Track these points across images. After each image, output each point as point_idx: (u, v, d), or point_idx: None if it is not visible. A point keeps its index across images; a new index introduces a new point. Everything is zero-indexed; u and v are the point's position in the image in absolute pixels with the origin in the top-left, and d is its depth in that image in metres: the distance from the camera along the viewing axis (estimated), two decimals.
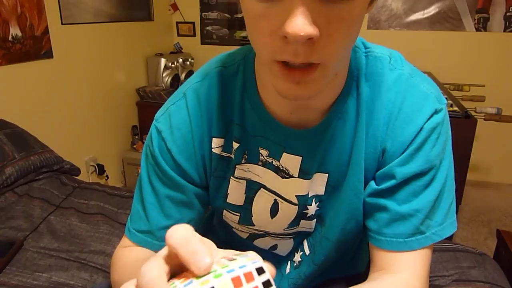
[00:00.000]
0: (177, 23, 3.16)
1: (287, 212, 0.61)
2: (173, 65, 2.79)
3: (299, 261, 0.68)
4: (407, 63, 0.56)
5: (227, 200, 0.62)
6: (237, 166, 0.59)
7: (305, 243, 0.67)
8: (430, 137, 0.52)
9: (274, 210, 0.61)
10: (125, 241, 0.62)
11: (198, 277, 0.26)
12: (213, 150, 0.59)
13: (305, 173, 0.57)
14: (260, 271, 0.26)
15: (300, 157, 0.56)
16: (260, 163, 0.58)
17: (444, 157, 0.53)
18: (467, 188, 2.30)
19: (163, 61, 2.72)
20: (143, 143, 0.77)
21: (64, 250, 1.16)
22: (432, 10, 2.61)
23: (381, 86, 0.53)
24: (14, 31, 1.73)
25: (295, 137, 0.55)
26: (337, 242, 0.61)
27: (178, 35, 3.19)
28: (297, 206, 0.60)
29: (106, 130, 2.47)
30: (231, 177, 0.60)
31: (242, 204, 0.62)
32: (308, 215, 0.62)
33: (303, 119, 0.54)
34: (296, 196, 0.59)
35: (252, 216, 0.63)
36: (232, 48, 0.61)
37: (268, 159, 0.57)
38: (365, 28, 2.76)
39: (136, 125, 2.72)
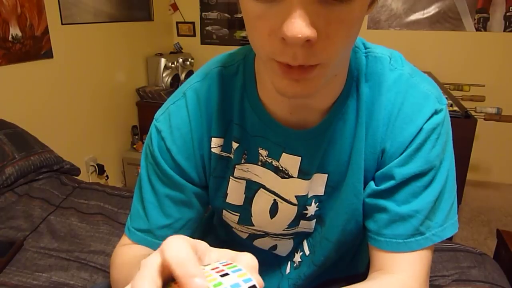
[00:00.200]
0: (177, 23, 3.16)
1: (287, 212, 0.61)
2: (173, 65, 2.79)
3: (299, 262, 0.68)
4: (407, 63, 0.56)
5: (227, 200, 0.62)
6: (236, 166, 0.59)
7: (305, 243, 0.67)
8: (429, 137, 0.51)
9: (273, 210, 0.61)
10: (124, 239, 0.63)
11: None
12: (212, 150, 0.58)
13: (304, 174, 0.57)
14: None
15: (300, 158, 0.56)
16: (259, 163, 0.58)
17: (444, 157, 0.53)
18: (467, 188, 2.30)
19: (163, 61, 2.72)
20: (143, 143, 0.77)
21: (64, 250, 1.16)
22: (432, 10, 2.61)
23: (381, 87, 0.53)
24: (14, 31, 1.73)
25: (294, 138, 0.55)
26: (337, 242, 0.61)
27: (178, 35, 3.19)
28: (296, 207, 0.60)
29: (106, 130, 2.47)
30: (231, 177, 0.60)
31: (242, 204, 0.62)
32: (307, 216, 0.62)
33: (302, 120, 0.54)
34: (295, 196, 0.59)
35: (252, 216, 0.63)
36: (232, 48, 0.61)
37: (267, 159, 0.57)
38: (365, 28, 2.76)
39: (136, 125, 2.72)
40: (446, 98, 1.30)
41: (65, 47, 2.03)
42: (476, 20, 2.55)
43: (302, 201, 0.60)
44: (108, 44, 2.40)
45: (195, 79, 0.59)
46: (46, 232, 1.23)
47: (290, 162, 0.57)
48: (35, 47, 1.85)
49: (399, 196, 0.53)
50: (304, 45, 0.37)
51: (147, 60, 2.78)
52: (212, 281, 0.26)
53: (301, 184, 0.58)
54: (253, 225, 0.64)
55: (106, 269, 1.10)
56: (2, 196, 1.36)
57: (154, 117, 0.60)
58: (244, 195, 0.61)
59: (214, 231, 0.78)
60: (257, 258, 0.30)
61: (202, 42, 3.16)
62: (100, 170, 2.36)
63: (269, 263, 0.71)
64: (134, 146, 2.67)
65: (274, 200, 0.60)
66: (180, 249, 0.27)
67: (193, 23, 3.13)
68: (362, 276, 0.58)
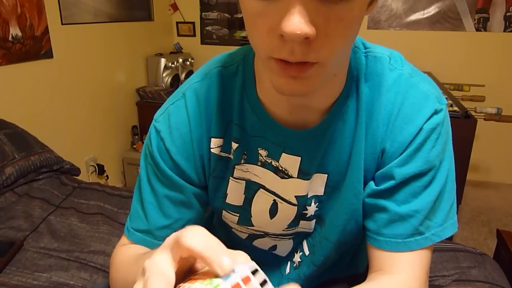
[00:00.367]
0: (177, 23, 3.16)
1: (287, 212, 0.61)
2: (173, 65, 2.79)
3: (299, 262, 0.68)
4: (407, 63, 0.56)
5: (226, 201, 0.62)
6: (236, 166, 0.59)
7: (305, 243, 0.67)
8: (429, 137, 0.51)
9: (273, 211, 0.61)
10: (124, 240, 0.63)
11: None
12: (212, 150, 0.58)
13: (304, 174, 0.57)
14: (255, 272, 0.27)
15: (299, 158, 0.56)
16: (259, 164, 0.58)
17: (444, 157, 0.53)
18: (467, 188, 2.30)
19: (163, 61, 2.72)
20: (143, 143, 0.77)
21: (64, 250, 1.16)
22: (432, 10, 2.61)
23: (381, 86, 0.53)
24: (14, 31, 1.73)
25: (294, 138, 0.55)
26: (337, 242, 0.61)
27: (178, 35, 3.19)
28: (296, 207, 0.60)
29: (106, 130, 2.47)
30: (230, 177, 0.60)
31: (241, 204, 0.62)
32: (307, 216, 0.62)
33: (302, 120, 0.54)
34: (295, 196, 0.59)
35: (251, 216, 0.63)
36: (232, 48, 0.61)
37: (267, 160, 0.57)
38: (365, 28, 2.76)
39: (136, 125, 2.72)
40: (446, 98, 1.30)
41: (65, 47, 2.03)
42: (476, 20, 2.55)
43: (302, 201, 0.60)
44: (108, 44, 2.40)
45: (195, 79, 0.59)
46: (46, 232, 1.23)
47: (290, 162, 0.57)
48: (35, 47, 1.85)
49: (399, 196, 0.53)
50: (302, 42, 0.37)
51: (147, 60, 2.78)
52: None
53: (300, 184, 0.58)
54: (253, 226, 0.64)
55: (106, 269, 1.10)
56: (2, 196, 1.37)
57: (154, 117, 0.60)
58: (243, 196, 0.61)
59: (214, 231, 0.78)
60: (256, 258, 0.30)
61: (202, 42, 3.16)
62: (100, 170, 2.36)
63: (268, 263, 0.71)
64: (134, 146, 2.67)
65: (274, 200, 0.60)
66: (202, 234, 0.28)
67: (193, 23, 3.13)
68: (362, 276, 0.58)
